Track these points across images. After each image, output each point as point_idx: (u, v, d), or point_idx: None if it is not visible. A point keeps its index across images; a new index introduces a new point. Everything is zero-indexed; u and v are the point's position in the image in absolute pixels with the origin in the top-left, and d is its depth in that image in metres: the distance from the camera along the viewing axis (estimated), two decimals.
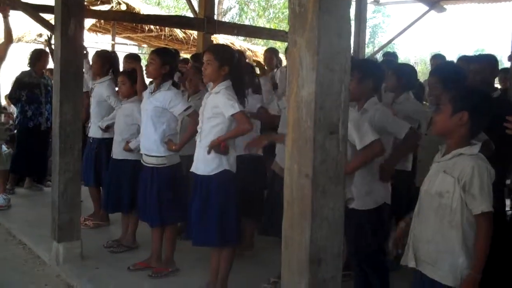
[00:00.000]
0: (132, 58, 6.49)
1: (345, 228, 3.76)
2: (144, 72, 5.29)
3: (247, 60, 7.02)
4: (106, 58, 6.67)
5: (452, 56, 6.86)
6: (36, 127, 8.17)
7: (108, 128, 6.31)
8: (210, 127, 4.25)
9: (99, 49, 7.32)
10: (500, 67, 5.92)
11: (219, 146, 4.19)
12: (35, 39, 13.13)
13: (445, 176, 2.85)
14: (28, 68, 8.24)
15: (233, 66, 4.30)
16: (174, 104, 4.83)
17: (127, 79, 5.70)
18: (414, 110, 4.97)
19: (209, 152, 4.21)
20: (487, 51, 38.55)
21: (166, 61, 4.90)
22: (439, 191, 2.87)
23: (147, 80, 5.56)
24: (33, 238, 6.06)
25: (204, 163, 4.29)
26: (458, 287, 2.82)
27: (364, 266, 3.98)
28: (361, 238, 3.87)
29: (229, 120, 4.20)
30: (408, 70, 5.45)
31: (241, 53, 7.25)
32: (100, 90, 6.47)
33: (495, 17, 74.34)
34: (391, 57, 8.03)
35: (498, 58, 5.87)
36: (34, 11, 7.41)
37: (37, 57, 8.22)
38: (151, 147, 4.89)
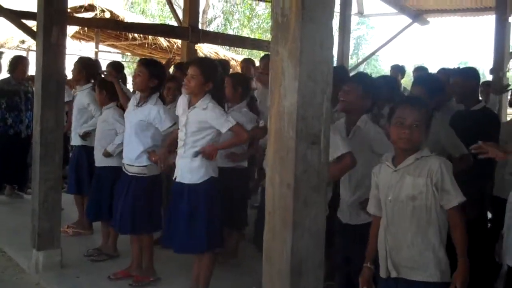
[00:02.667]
0: (113, 67, 6.50)
1: (339, 241, 3.78)
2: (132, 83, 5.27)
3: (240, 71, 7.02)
4: (87, 66, 6.64)
5: (435, 68, 6.90)
6: (17, 134, 8.09)
7: (87, 135, 6.29)
8: (195, 140, 4.29)
9: (83, 57, 7.28)
10: (482, 80, 5.96)
11: (210, 153, 4.22)
12: (17, 46, 13.04)
13: (413, 179, 2.93)
14: (7, 75, 8.17)
15: (216, 82, 4.35)
16: (159, 121, 4.81)
17: (103, 89, 5.70)
18: None
19: (196, 155, 4.24)
20: (470, 64, 38.91)
21: (154, 74, 4.84)
22: (411, 195, 2.93)
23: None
24: (13, 246, 6.00)
25: (190, 172, 4.32)
26: (444, 280, 2.93)
27: (354, 278, 3.95)
28: (356, 251, 3.85)
29: (216, 132, 4.26)
30: (391, 84, 5.48)
31: (226, 63, 7.23)
32: (81, 98, 6.47)
33: (478, 30, 75.18)
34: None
35: (481, 71, 5.93)
36: (16, 18, 7.37)
37: (16, 64, 8.16)
38: (133, 157, 4.87)
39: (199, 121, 4.27)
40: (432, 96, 4.08)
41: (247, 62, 8.68)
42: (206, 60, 4.95)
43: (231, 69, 12.86)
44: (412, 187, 2.92)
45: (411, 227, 2.94)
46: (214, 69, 4.43)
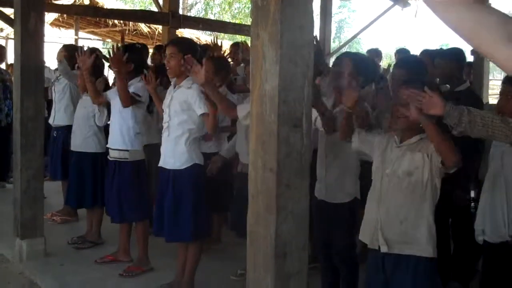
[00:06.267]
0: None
1: (317, 222, 3.79)
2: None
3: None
4: (74, 52, 6.58)
5: (417, 50, 6.95)
6: None
7: None
8: (179, 122, 4.20)
9: (67, 44, 7.19)
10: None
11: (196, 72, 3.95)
12: None
13: (413, 155, 2.98)
14: None
15: (197, 59, 4.27)
16: (146, 95, 4.82)
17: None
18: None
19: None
20: (451, 45, 38.94)
21: (128, 59, 4.80)
22: (407, 171, 2.97)
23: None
24: None
25: (173, 157, 4.23)
26: (434, 256, 2.98)
27: (335, 260, 3.98)
28: (334, 232, 3.87)
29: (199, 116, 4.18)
30: (370, 63, 5.49)
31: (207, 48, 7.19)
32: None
33: None
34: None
35: None
36: None
37: None
38: (116, 140, 4.85)
39: (182, 100, 4.18)
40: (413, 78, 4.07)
41: (235, 46, 8.63)
42: (183, 38, 4.90)
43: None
44: (409, 163, 2.98)
45: (405, 202, 2.98)
46: (192, 46, 4.39)
